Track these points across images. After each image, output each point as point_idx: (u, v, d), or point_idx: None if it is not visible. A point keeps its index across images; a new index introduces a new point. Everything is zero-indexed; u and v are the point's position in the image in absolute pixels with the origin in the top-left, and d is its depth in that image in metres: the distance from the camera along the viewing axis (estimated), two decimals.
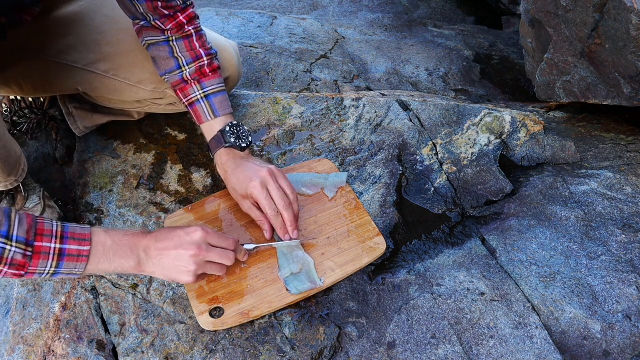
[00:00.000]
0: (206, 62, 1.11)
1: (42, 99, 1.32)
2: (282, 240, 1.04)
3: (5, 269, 0.76)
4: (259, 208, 1.04)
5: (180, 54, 1.09)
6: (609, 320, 0.96)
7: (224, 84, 1.14)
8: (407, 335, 0.95)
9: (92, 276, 1.05)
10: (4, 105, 1.29)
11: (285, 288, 0.98)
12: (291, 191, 1.03)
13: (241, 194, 1.05)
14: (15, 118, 1.29)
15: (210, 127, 1.12)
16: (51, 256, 0.79)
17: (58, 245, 0.79)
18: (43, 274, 0.80)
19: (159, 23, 1.06)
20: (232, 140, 1.08)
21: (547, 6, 1.36)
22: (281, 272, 1.00)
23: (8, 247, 0.75)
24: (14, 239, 0.75)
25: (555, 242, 1.09)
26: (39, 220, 0.79)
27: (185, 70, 1.10)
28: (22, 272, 0.78)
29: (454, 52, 2.02)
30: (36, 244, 0.78)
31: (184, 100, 1.13)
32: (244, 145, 1.09)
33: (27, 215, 0.78)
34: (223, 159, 1.09)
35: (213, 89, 1.11)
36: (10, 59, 1.09)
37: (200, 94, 1.11)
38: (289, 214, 1.02)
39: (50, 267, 0.79)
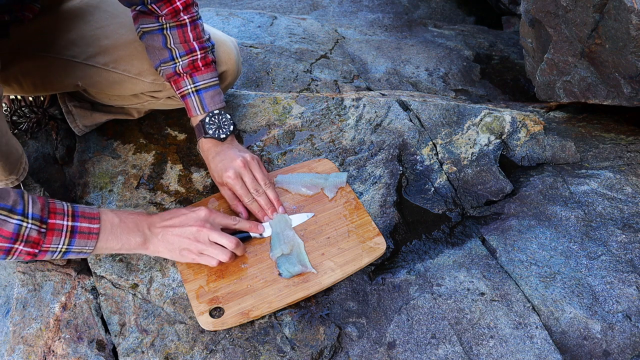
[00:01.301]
0: (199, 56, 1.11)
1: (42, 98, 1.32)
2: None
3: (21, 247, 0.78)
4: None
5: (173, 46, 1.10)
6: (609, 320, 0.96)
7: (217, 79, 1.15)
8: (407, 335, 0.95)
9: (92, 276, 1.05)
10: (4, 105, 1.29)
11: (278, 272, 0.99)
12: (264, 179, 1.09)
13: (218, 182, 1.12)
14: (15, 117, 1.29)
15: (197, 119, 1.14)
16: (64, 233, 0.82)
17: (70, 223, 0.82)
18: (55, 252, 0.82)
19: (155, 7, 1.06)
20: (211, 132, 1.11)
21: (547, 6, 1.36)
22: (272, 252, 1.02)
23: (24, 224, 0.77)
24: (30, 216, 0.78)
25: (555, 242, 1.09)
26: (50, 201, 0.83)
27: (179, 62, 1.10)
28: (36, 251, 0.80)
29: (454, 52, 2.02)
30: (50, 221, 0.81)
31: (177, 93, 1.14)
32: (223, 136, 1.12)
33: (38, 196, 0.81)
34: (204, 146, 1.14)
35: (204, 83, 1.12)
36: (12, 56, 1.10)
37: (191, 88, 1.12)
38: (263, 199, 1.08)
39: (63, 244, 0.82)
